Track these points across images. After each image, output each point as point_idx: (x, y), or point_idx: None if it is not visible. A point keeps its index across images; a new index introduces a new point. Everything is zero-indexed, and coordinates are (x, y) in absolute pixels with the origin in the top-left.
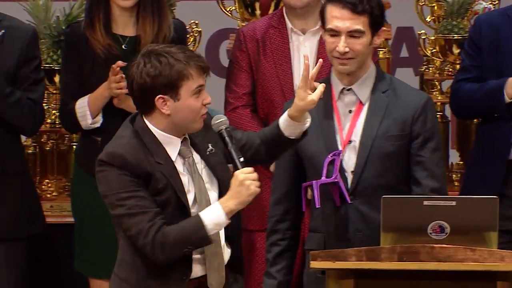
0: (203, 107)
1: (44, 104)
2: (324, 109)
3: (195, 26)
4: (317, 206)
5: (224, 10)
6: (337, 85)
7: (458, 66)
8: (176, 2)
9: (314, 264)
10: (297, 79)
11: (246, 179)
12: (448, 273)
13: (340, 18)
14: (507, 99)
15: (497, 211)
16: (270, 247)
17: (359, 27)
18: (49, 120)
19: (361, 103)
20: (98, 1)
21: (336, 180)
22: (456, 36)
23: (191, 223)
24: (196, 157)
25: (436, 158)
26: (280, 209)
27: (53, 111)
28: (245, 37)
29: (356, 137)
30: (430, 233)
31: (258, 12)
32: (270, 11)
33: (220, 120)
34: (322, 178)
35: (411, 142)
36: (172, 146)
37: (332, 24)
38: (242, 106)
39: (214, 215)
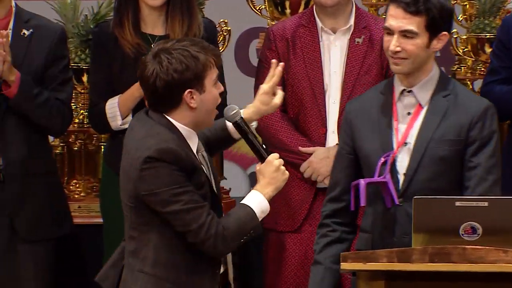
0: (219, 97)
1: (72, 104)
2: (384, 109)
3: (224, 25)
4: (362, 204)
5: (254, 9)
6: (398, 86)
7: None
8: (205, 1)
9: (345, 266)
10: (327, 79)
11: (280, 164)
12: (480, 275)
13: (394, 17)
14: None
15: None
16: (319, 239)
17: (411, 27)
18: (77, 120)
19: (421, 106)
20: (127, 0)
21: (384, 180)
22: (488, 35)
23: (242, 213)
24: None
25: (490, 165)
26: (334, 206)
27: (81, 111)
28: (275, 36)
29: (412, 139)
30: (462, 234)
31: (288, 10)
32: (300, 10)
33: (236, 111)
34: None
35: (467, 148)
36: (193, 141)
37: (387, 22)
38: None
39: (258, 203)
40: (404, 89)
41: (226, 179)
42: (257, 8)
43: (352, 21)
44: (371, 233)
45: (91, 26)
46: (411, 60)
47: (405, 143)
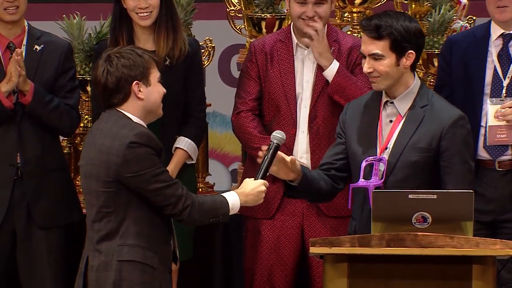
0: (164, 91)
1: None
2: (372, 115)
3: (209, 42)
4: (349, 207)
5: (235, 28)
6: (383, 97)
7: None
8: (192, 21)
9: (314, 250)
10: (300, 87)
11: (264, 191)
12: (430, 258)
13: (364, 42)
14: None
15: (473, 203)
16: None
17: (377, 50)
18: (82, 124)
19: (401, 115)
20: (121, 22)
21: (377, 184)
22: (436, 51)
23: (219, 199)
24: None
25: (464, 170)
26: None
27: (86, 116)
28: (255, 50)
29: (391, 145)
30: (414, 222)
31: (264, 30)
32: (275, 29)
33: (282, 138)
34: (360, 181)
35: (440, 155)
36: None
37: (361, 47)
38: (246, 110)
39: (233, 200)
40: (387, 100)
41: (210, 175)
42: (238, 28)
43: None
44: (356, 220)
45: (94, 43)
46: (383, 77)
47: (386, 148)
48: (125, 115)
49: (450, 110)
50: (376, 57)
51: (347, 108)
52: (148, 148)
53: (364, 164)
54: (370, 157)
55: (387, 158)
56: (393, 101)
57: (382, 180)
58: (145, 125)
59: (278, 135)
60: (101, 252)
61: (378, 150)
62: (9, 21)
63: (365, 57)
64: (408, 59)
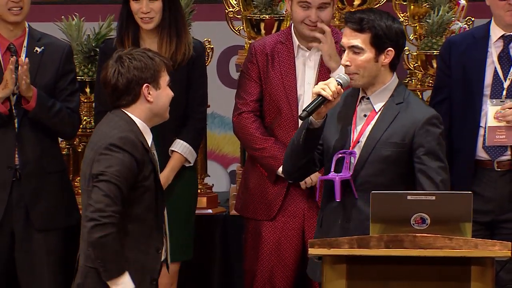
0: (172, 94)
1: None
2: (348, 110)
3: (208, 44)
4: (338, 200)
5: (233, 30)
6: (360, 93)
7: None
8: (191, 22)
9: (312, 251)
10: (301, 89)
11: None
12: (428, 259)
13: (345, 35)
14: None
15: (471, 204)
16: None
17: (357, 43)
18: (81, 126)
19: (375, 111)
20: (128, 23)
21: (347, 177)
22: (435, 52)
23: (122, 261)
24: None
25: (436, 166)
26: None
27: (84, 118)
28: (256, 51)
29: (364, 139)
30: (413, 224)
31: (263, 31)
32: (274, 31)
33: (345, 80)
34: (330, 173)
35: (414, 152)
36: (148, 136)
37: (342, 40)
38: (247, 111)
39: (123, 278)
40: (363, 96)
41: (209, 176)
42: (236, 29)
43: None
44: (323, 212)
45: (93, 44)
46: (361, 73)
47: (358, 142)
48: (129, 116)
49: (425, 109)
50: (355, 50)
51: None
52: (127, 155)
53: (335, 157)
54: (342, 151)
55: (359, 152)
56: (369, 97)
57: (351, 173)
58: (148, 128)
59: (345, 76)
60: (81, 252)
61: (351, 144)
62: (12, 22)
63: (344, 50)
64: (386, 57)
